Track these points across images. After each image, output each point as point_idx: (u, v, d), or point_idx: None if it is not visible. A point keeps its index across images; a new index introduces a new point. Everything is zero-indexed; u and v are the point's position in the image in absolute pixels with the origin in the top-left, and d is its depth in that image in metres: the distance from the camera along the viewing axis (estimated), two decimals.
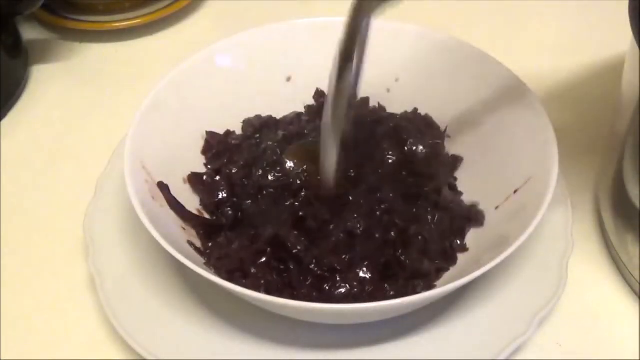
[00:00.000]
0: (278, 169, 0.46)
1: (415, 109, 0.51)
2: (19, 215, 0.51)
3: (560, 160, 0.42)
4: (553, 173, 0.41)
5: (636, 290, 0.45)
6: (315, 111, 0.50)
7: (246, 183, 0.46)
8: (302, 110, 0.53)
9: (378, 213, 0.44)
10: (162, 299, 0.43)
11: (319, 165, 0.43)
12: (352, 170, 0.45)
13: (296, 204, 0.44)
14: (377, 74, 0.52)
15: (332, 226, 0.43)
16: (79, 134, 0.57)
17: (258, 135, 0.49)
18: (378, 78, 0.52)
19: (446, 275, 0.44)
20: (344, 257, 0.42)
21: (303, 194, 0.44)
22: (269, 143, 0.48)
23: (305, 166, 0.45)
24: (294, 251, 0.42)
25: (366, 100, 0.52)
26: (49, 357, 0.43)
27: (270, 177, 0.45)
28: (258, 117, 0.51)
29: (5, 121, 0.58)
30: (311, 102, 0.53)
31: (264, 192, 0.45)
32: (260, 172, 0.46)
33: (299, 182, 0.45)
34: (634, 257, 0.44)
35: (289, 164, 0.45)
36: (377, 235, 0.43)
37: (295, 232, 0.43)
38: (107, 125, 0.57)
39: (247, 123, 0.51)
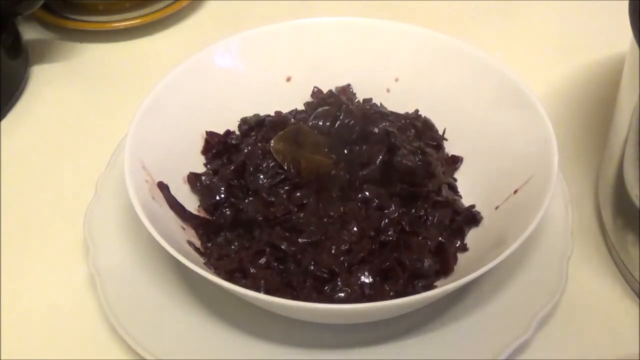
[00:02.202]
0: (272, 165, 0.46)
1: (417, 111, 0.51)
2: (19, 215, 0.51)
3: (560, 160, 0.42)
4: (553, 173, 0.41)
5: (636, 290, 0.45)
6: (314, 108, 0.50)
7: (243, 183, 0.46)
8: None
9: (377, 214, 0.44)
10: (162, 299, 0.43)
11: (305, 147, 0.45)
12: (347, 173, 0.46)
13: (291, 206, 0.44)
14: (377, 74, 0.52)
15: (330, 228, 0.43)
16: (79, 134, 0.57)
17: (254, 134, 0.49)
18: (378, 78, 0.52)
19: (446, 275, 0.44)
20: (342, 259, 0.42)
21: (298, 190, 0.45)
22: (264, 143, 0.48)
23: (293, 152, 0.46)
24: (289, 252, 0.42)
25: (368, 100, 0.52)
26: (49, 357, 0.43)
27: (262, 177, 0.45)
28: (255, 115, 0.51)
29: (5, 121, 0.58)
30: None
31: (259, 192, 0.45)
32: (252, 169, 0.46)
33: (292, 170, 0.45)
34: (634, 257, 0.44)
35: (276, 157, 0.45)
36: (376, 237, 0.43)
37: (288, 234, 0.43)
38: (107, 125, 0.57)
39: (243, 121, 0.51)
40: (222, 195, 0.46)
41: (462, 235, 0.45)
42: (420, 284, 0.42)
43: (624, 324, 0.44)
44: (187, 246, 0.43)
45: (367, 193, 0.44)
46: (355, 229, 0.43)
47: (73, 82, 0.62)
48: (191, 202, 0.46)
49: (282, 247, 0.42)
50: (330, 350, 0.41)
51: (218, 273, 0.42)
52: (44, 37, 0.66)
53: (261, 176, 0.45)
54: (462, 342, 0.41)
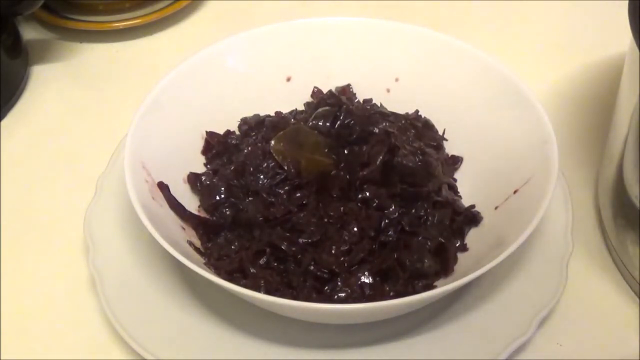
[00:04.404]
0: (271, 165, 0.46)
1: (417, 111, 0.51)
2: (19, 215, 0.51)
3: (560, 160, 0.42)
4: (553, 173, 0.41)
5: (636, 290, 0.45)
6: (314, 108, 0.50)
7: (243, 183, 0.46)
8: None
9: (377, 214, 0.44)
10: (162, 299, 0.43)
11: (305, 147, 0.45)
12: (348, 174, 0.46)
13: (291, 206, 0.44)
14: (377, 74, 0.52)
15: (330, 228, 0.43)
16: (79, 134, 0.57)
17: (254, 134, 0.49)
18: (378, 78, 0.52)
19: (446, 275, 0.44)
20: (342, 259, 0.42)
21: (298, 190, 0.45)
22: (264, 143, 0.48)
23: (293, 152, 0.46)
24: (289, 252, 0.42)
25: (368, 100, 0.52)
26: (49, 357, 0.43)
27: (262, 177, 0.45)
28: (255, 116, 0.51)
29: (5, 121, 0.58)
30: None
31: (259, 192, 0.45)
32: (252, 169, 0.46)
33: (292, 170, 0.45)
34: (634, 257, 0.44)
35: (277, 157, 0.45)
36: (376, 237, 0.43)
37: (288, 234, 0.43)
38: (107, 125, 0.57)
39: (243, 121, 0.51)
40: (222, 196, 0.46)
41: (462, 235, 0.45)
42: (420, 284, 0.42)
43: (624, 324, 0.44)
44: (187, 246, 0.43)
45: (367, 193, 0.44)
46: (355, 229, 0.43)
47: (73, 82, 0.62)
48: (191, 202, 0.46)
49: (282, 247, 0.42)
50: (330, 350, 0.41)
51: (218, 273, 0.42)
52: (44, 37, 0.66)
53: (261, 176, 0.45)
54: (462, 342, 0.41)
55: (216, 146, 0.49)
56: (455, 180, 0.49)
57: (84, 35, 0.65)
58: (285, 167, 0.45)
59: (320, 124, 0.48)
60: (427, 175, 0.46)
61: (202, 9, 0.69)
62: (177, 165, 0.47)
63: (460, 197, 0.48)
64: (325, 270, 0.42)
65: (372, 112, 0.49)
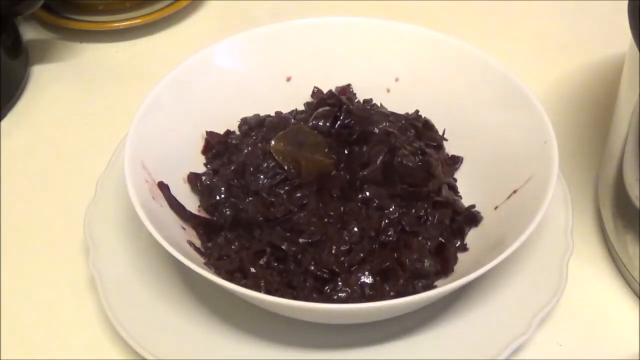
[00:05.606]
0: (272, 165, 0.45)
1: (417, 111, 0.51)
2: (19, 215, 0.51)
3: (560, 160, 0.42)
4: (553, 173, 0.41)
5: (636, 290, 0.45)
6: (314, 108, 0.50)
7: (243, 183, 0.46)
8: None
9: (377, 214, 0.44)
10: (162, 299, 0.43)
11: (305, 147, 0.45)
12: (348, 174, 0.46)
13: (291, 206, 0.44)
14: (377, 74, 0.52)
15: (330, 228, 0.43)
16: (79, 134, 0.57)
17: (254, 134, 0.49)
18: (378, 78, 0.52)
19: (446, 275, 0.44)
20: (342, 259, 0.42)
21: (298, 190, 0.45)
22: (264, 143, 0.48)
23: (293, 152, 0.46)
24: (289, 252, 0.42)
25: (368, 100, 0.52)
26: (49, 357, 0.43)
27: (262, 177, 0.45)
28: (255, 116, 0.51)
29: (5, 121, 0.58)
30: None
31: (259, 192, 0.45)
32: (252, 169, 0.46)
33: (292, 170, 0.45)
34: (634, 257, 0.44)
35: (277, 157, 0.45)
36: (376, 237, 0.43)
37: (289, 234, 0.43)
38: (107, 125, 0.57)
39: (243, 121, 0.51)
40: (222, 195, 0.46)
41: (462, 235, 0.45)
42: (420, 284, 0.42)
43: (624, 324, 0.44)
44: (187, 246, 0.43)
45: (367, 193, 0.44)
46: (355, 229, 0.43)
47: (73, 82, 0.62)
48: (191, 202, 0.46)
49: (283, 247, 0.42)
50: (330, 350, 0.41)
51: (218, 273, 0.42)
52: (44, 37, 0.66)
53: (261, 176, 0.45)
54: (462, 342, 0.41)
55: (216, 146, 0.49)
56: (455, 180, 0.49)
57: (84, 35, 0.65)
58: (285, 167, 0.45)
59: (320, 124, 0.48)
60: (427, 175, 0.46)
61: (202, 9, 0.69)
62: (177, 165, 0.47)
63: (460, 197, 0.48)
64: (326, 270, 0.42)
65: (372, 112, 0.49)
